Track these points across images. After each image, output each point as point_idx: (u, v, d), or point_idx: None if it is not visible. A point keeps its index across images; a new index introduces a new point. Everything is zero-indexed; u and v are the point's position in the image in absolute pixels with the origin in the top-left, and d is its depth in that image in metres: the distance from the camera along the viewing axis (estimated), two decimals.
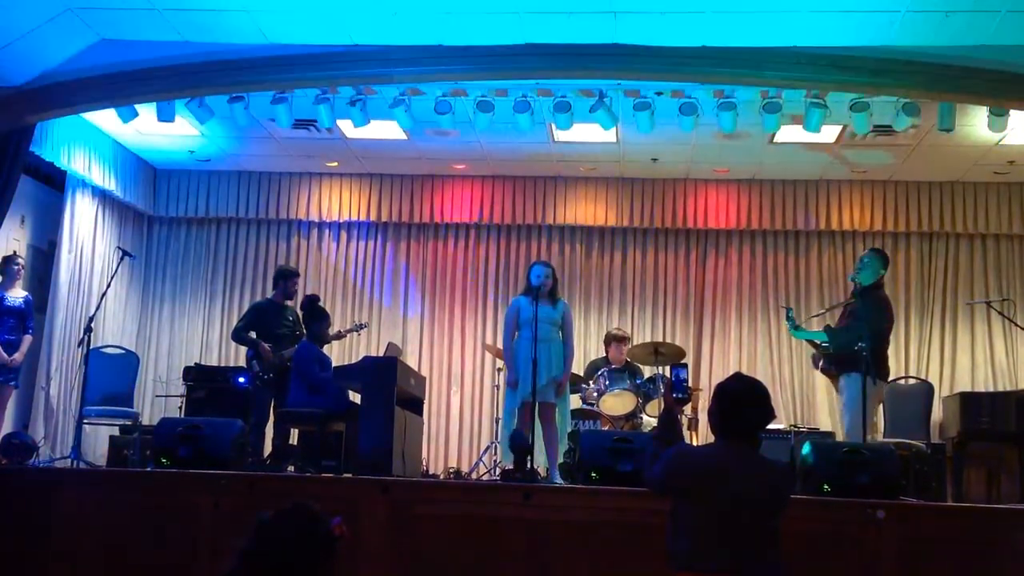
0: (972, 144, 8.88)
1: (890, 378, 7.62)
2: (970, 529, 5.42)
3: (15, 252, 8.30)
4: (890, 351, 7.36)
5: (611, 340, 8.89)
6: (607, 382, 8.30)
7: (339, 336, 8.63)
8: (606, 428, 7.97)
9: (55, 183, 9.33)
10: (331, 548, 2.42)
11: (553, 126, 8.68)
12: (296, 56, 7.32)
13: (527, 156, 9.80)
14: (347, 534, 2.46)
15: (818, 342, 7.35)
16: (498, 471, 7.51)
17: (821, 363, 7.40)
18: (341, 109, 8.12)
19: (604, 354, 9.00)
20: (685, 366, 4.01)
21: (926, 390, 8.75)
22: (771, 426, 7.35)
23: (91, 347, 7.81)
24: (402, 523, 5.52)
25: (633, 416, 8.24)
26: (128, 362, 8.87)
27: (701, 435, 8.88)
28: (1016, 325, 9.13)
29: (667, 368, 8.97)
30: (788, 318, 7.52)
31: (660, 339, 10.12)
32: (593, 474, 5.85)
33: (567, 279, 10.39)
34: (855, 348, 6.57)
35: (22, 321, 7.89)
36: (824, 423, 9.73)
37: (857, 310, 6.90)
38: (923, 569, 5.22)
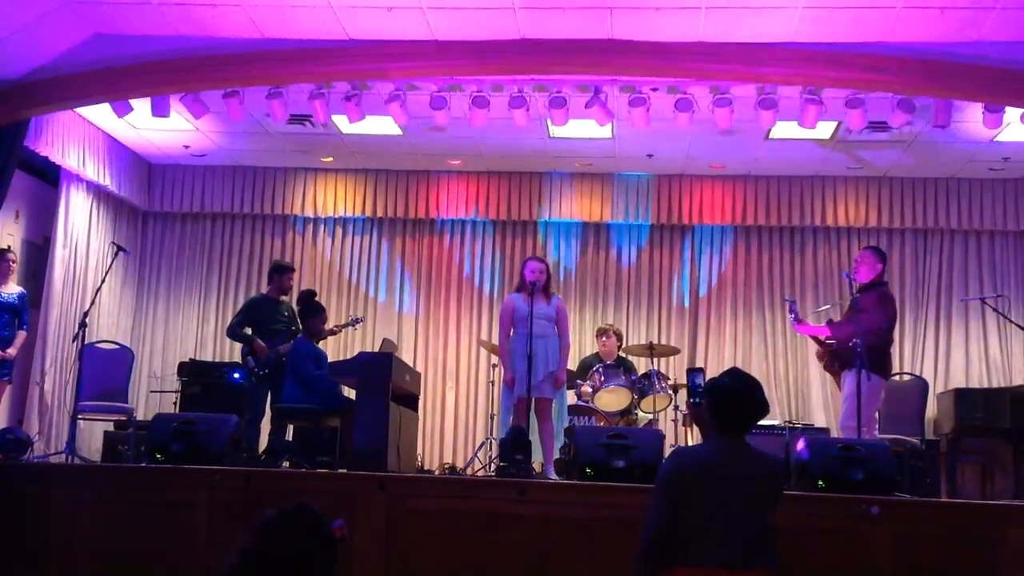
0: (967, 140, 8.89)
1: None
2: (964, 525, 5.43)
3: (9, 247, 8.28)
4: None
5: (599, 333, 9.01)
6: (602, 378, 8.30)
7: (335, 332, 8.62)
8: (601, 424, 7.97)
9: (49, 178, 9.31)
10: (333, 551, 2.40)
11: (549, 122, 8.67)
12: (291, 51, 7.31)
13: (522, 152, 9.78)
14: (348, 536, 2.45)
15: (822, 339, 7.34)
16: (493, 467, 7.51)
17: (824, 360, 7.39)
18: (336, 104, 8.09)
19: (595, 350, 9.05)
20: (702, 371, 4.00)
21: (920, 386, 8.75)
22: (765, 422, 7.33)
23: (85, 342, 7.77)
24: (397, 519, 5.52)
25: (628, 412, 8.25)
26: (122, 357, 8.83)
27: (697, 432, 8.89)
28: (1010, 321, 9.15)
29: (656, 363, 8.98)
30: (791, 311, 7.52)
31: (655, 334, 10.13)
32: (588, 470, 5.85)
33: (562, 275, 10.39)
34: (851, 344, 6.59)
35: (16, 316, 7.87)
36: (819, 419, 9.74)
37: (858, 305, 6.90)
38: (917, 565, 5.22)
